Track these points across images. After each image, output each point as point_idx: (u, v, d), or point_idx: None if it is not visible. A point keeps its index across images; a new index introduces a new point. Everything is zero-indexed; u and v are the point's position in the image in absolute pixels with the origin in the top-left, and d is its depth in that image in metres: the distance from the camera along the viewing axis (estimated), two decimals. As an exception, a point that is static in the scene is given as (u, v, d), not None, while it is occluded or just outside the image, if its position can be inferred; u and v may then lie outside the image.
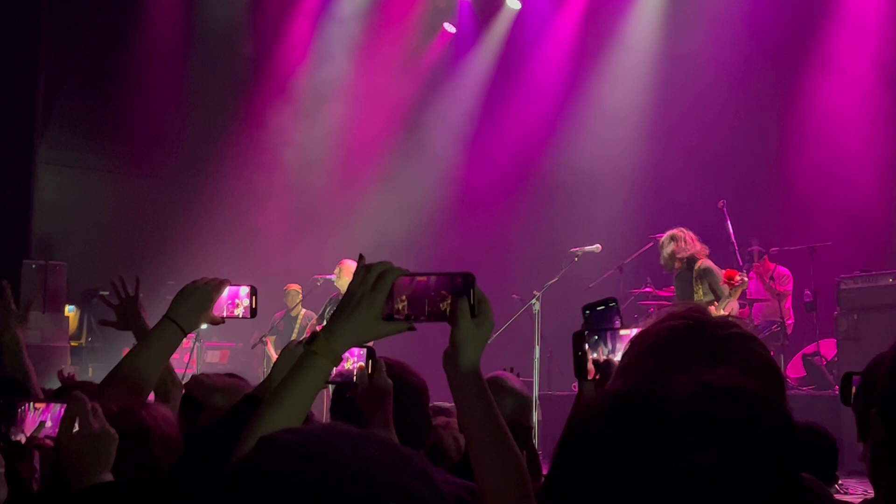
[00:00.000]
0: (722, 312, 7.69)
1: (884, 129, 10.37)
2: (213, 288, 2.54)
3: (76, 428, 2.03)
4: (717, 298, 7.94)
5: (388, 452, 1.02)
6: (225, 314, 2.61)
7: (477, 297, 1.68)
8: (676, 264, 8.25)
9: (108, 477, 2.05)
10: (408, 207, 12.31)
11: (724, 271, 8.03)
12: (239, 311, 2.63)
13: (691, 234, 8.28)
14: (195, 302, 2.52)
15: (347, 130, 12.98)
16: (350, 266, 9.42)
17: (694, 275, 8.14)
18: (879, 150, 10.31)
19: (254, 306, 2.64)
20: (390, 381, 2.61)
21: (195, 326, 2.54)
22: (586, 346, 1.98)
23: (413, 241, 11.79)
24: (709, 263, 8.18)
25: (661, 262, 8.43)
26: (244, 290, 2.63)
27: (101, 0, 12.00)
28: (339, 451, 1.00)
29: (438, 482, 1.03)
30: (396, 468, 1.00)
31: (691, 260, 8.23)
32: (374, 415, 2.56)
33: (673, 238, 8.25)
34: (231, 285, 2.61)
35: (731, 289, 7.88)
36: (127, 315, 2.98)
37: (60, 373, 2.99)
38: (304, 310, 10.39)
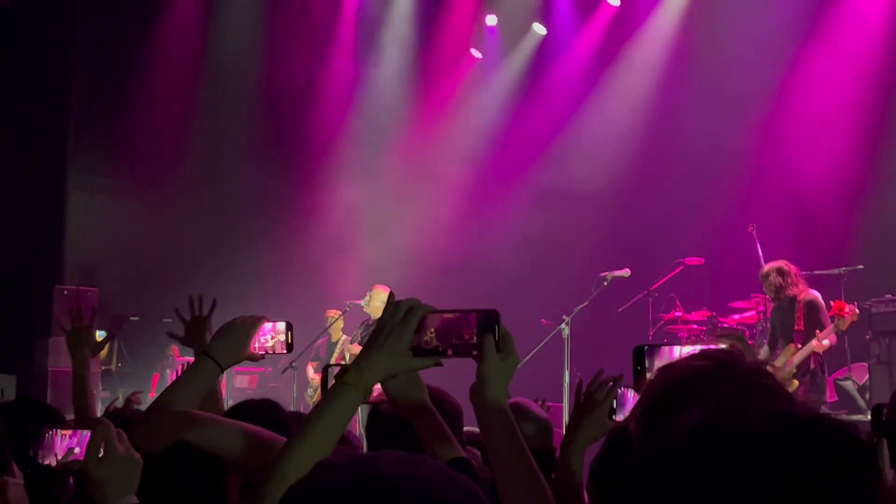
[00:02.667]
0: (825, 343, 7.89)
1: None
2: (250, 325, 2.58)
3: (102, 453, 2.09)
4: (820, 329, 7.98)
5: (440, 475, 1.08)
6: (257, 347, 2.65)
7: (501, 333, 1.75)
8: (782, 297, 8.27)
9: (133, 500, 2.11)
10: (437, 233, 12.33)
11: (833, 302, 8.06)
12: (272, 346, 2.67)
13: (796, 267, 8.33)
14: (233, 339, 2.56)
15: (380, 154, 13.07)
16: (381, 291, 9.42)
17: (798, 306, 8.14)
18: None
19: (289, 341, 2.68)
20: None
21: (232, 363, 2.58)
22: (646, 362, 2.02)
23: (443, 266, 11.81)
24: (814, 296, 8.22)
25: (766, 291, 8.48)
26: (280, 325, 2.67)
27: (129, 24, 12.12)
28: (393, 473, 1.06)
29: (487, 503, 1.10)
30: (448, 489, 1.06)
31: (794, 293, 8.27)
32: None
33: (780, 272, 8.29)
34: (268, 321, 2.65)
35: (839, 319, 7.90)
36: (194, 332, 3.15)
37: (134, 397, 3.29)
38: (343, 335, 10.38)
